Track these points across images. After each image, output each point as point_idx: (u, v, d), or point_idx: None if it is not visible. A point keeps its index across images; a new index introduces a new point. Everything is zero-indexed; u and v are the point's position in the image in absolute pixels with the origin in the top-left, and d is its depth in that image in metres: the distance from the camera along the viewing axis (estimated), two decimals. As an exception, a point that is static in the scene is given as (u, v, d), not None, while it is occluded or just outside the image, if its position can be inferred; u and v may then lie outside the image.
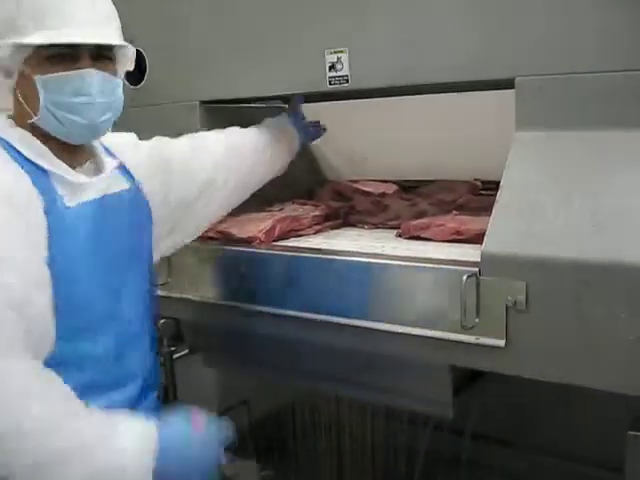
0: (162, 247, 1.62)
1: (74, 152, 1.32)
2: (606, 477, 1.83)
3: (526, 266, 1.27)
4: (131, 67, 1.36)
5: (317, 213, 1.93)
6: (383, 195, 2.19)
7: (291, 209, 2.01)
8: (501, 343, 1.30)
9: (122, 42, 1.31)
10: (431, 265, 1.39)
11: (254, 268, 1.68)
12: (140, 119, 1.80)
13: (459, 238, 1.65)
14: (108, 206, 1.34)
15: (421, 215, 1.99)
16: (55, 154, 1.26)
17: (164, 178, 1.58)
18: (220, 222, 1.85)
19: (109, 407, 1.23)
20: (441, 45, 1.51)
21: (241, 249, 1.72)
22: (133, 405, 1.36)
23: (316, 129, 2.07)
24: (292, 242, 1.78)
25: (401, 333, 1.41)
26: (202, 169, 1.69)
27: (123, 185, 1.42)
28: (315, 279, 1.56)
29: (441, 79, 1.54)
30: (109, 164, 1.37)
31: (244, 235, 1.75)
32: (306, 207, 2.02)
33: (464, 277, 1.31)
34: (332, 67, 1.67)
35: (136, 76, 2.05)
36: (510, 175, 1.38)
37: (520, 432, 1.94)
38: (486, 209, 1.92)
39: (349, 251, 1.58)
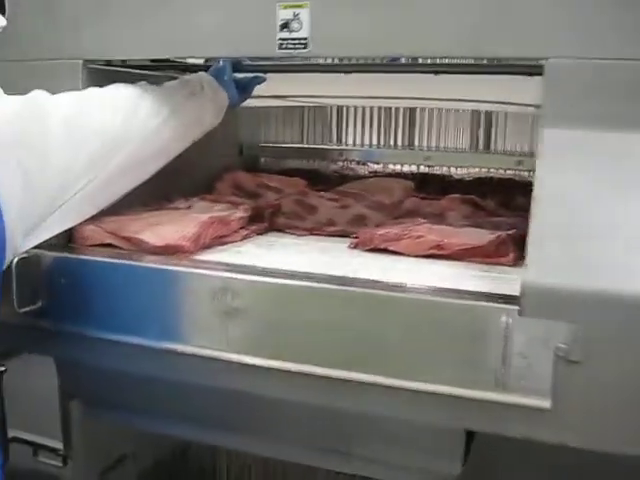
0: (17, 244, 1.15)
1: None
2: None
3: (582, 304, 0.97)
4: None
5: (242, 215, 1.50)
6: (305, 194, 1.81)
7: (203, 207, 1.56)
8: (546, 404, 0.99)
9: None
10: (454, 300, 1.04)
11: (174, 290, 1.23)
12: (3, 78, 1.28)
13: (439, 253, 1.33)
14: None
15: (361, 220, 1.65)
16: None
17: (37, 146, 1.17)
18: (121, 225, 1.38)
19: None
20: (442, 9, 1.16)
21: (153, 266, 1.26)
22: None
23: (249, 81, 1.63)
24: (221, 253, 1.36)
25: (401, 388, 1.05)
26: (88, 137, 1.25)
27: None
28: (262, 310, 1.16)
29: (439, 54, 1.20)
30: None
31: (162, 242, 1.29)
32: (221, 205, 1.59)
33: (502, 318, 0.99)
34: (285, 26, 1.26)
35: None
36: (545, 184, 1.06)
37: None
38: (441, 216, 1.63)
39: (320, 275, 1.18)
